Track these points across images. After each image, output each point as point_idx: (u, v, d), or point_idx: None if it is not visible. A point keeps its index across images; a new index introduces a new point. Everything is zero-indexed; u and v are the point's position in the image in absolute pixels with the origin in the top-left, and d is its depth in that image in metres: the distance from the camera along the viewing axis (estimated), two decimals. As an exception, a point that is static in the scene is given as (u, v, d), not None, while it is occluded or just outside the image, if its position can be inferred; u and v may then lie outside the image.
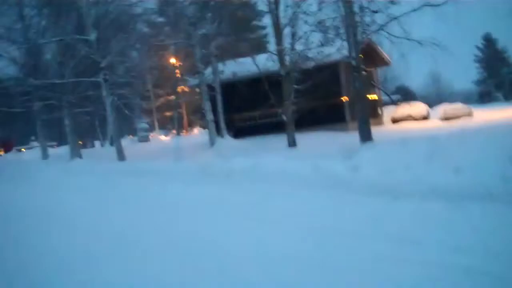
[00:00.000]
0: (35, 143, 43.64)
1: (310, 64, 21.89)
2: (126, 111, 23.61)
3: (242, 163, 12.61)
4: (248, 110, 27.42)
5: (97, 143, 39.83)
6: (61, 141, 40.21)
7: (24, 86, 25.53)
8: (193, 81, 28.70)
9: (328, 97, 26.16)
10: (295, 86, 21.91)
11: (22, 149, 48.55)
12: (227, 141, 24.70)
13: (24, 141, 56.18)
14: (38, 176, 16.83)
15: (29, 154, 35.23)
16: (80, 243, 7.00)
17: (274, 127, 25.01)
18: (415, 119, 33.31)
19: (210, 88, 25.72)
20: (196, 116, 50.21)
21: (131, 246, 6.50)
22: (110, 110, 21.52)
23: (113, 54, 21.95)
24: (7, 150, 39.53)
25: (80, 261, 5.99)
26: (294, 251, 5.49)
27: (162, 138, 44.34)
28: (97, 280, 5.20)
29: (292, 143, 22.23)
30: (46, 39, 23.87)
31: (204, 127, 33.27)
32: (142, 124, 41.10)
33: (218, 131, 25.80)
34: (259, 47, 32.50)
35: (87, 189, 12.67)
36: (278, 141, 22.52)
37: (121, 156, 21.03)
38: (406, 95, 46.97)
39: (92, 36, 21.54)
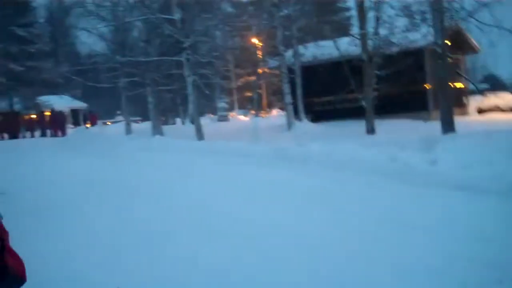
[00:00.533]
0: (120, 117, 45.30)
1: (394, 50, 21.35)
2: (206, 91, 23.99)
3: (318, 148, 12.54)
4: (327, 94, 27.12)
5: (178, 121, 40.79)
6: (144, 117, 41.54)
7: (111, 62, 26.53)
8: (273, 63, 28.72)
9: (411, 84, 25.42)
10: (377, 72, 21.45)
11: (108, 123, 50.61)
12: (305, 125, 24.62)
13: (110, 115, 58.54)
14: (121, 150, 17.48)
15: (114, 128, 36.62)
16: (158, 216, 7.26)
17: (353, 112, 24.62)
18: (502, 110, 31.79)
19: (290, 70, 25.67)
20: (276, 98, 50.32)
21: (204, 222, 6.66)
22: (191, 89, 21.94)
23: (197, 34, 22.29)
24: (92, 123, 41.22)
25: (157, 235, 6.22)
26: (369, 246, 5.42)
27: (241, 118, 44.82)
28: (170, 255, 5.36)
29: (370, 130, 21.84)
30: (133, 17, 24.58)
31: (282, 109, 33.24)
32: (222, 104, 41.74)
33: (296, 114, 25.76)
34: (342, 30, 31.89)
35: (166, 165, 13.05)
36: (357, 127, 22.17)
37: (199, 134, 21.45)
38: (495, 85, 44.79)
39: (177, 15, 21.95)
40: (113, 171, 12.43)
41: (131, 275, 4.89)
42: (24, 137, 34.24)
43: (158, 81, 24.57)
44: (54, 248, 5.98)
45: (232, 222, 6.69)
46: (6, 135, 34.42)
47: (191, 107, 22.53)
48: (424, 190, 8.01)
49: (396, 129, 20.87)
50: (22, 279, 1.71)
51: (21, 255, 1.75)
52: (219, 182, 10.17)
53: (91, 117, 41.86)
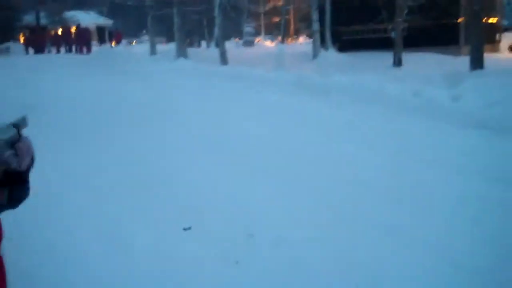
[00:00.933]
0: (145, 37, 44.99)
1: (428, -20, 20.62)
2: (233, 14, 23.60)
3: (341, 79, 12.44)
4: (356, 23, 26.46)
5: (203, 43, 40.40)
6: (169, 38, 41.21)
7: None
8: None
9: (443, 17, 24.62)
10: (409, 3, 20.81)
11: (133, 42, 50.40)
12: (331, 54, 24.23)
13: (136, 34, 58.14)
14: (144, 71, 17.52)
15: (139, 48, 36.50)
16: (185, 139, 7.39)
17: (381, 43, 24.08)
18: (536, 48, 30.78)
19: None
20: (304, 25, 49.31)
21: (223, 145, 6.76)
22: (217, 11, 21.60)
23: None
24: (117, 41, 41.01)
25: (182, 156, 6.37)
26: (384, 181, 5.48)
27: (267, 44, 44.21)
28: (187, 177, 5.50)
29: (397, 63, 21.43)
30: None
31: (310, 36, 32.63)
32: (248, 28, 40.99)
33: (323, 42, 25.30)
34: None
35: (189, 89, 13.10)
36: (384, 58, 21.75)
37: (224, 59, 21.29)
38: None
39: None
40: (136, 92, 12.52)
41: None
42: (49, 51, 34.41)
43: (185, 1, 24.17)
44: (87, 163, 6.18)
45: (250, 144, 6.78)
46: (32, 49, 34.64)
47: (216, 30, 22.23)
48: (446, 126, 7.95)
49: (423, 63, 20.48)
50: None
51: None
52: (241, 106, 10.24)
53: (116, 35, 41.60)
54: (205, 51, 30.56)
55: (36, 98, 11.00)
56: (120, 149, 6.90)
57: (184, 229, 4.15)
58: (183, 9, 24.74)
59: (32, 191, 1.33)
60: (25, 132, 1.28)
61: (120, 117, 9.17)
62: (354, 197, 4.91)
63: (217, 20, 22.02)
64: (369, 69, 18.06)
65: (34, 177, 1.34)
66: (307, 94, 11.82)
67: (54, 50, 35.13)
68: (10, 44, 35.44)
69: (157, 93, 12.31)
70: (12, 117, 1.28)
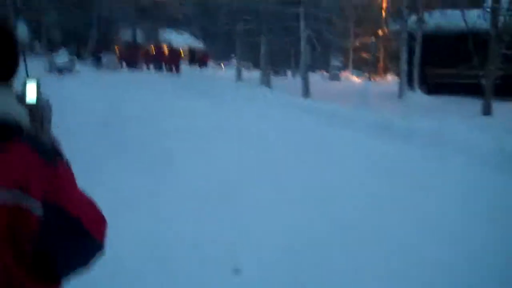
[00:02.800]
0: (233, 61, 45.86)
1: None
2: (319, 48, 23.64)
3: (425, 124, 12.03)
4: (446, 66, 25.73)
5: (289, 73, 40.71)
6: (256, 64, 41.84)
7: (231, 7, 26.73)
8: (394, 26, 27.60)
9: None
10: (504, 51, 20.00)
11: (221, 65, 51.51)
12: (417, 96, 23.66)
13: (225, 57, 59.43)
14: (227, 97, 17.77)
15: (225, 72, 37.25)
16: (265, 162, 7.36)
17: (470, 89, 23.25)
18: None
19: (411, 36, 24.55)
20: (393, 63, 48.64)
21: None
22: (304, 44, 21.68)
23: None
24: (204, 64, 41.99)
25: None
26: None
27: (353, 79, 43.89)
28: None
29: (487, 111, 20.56)
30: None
31: (398, 75, 32.12)
32: (336, 62, 40.93)
33: (410, 83, 24.79)
34: (474, 0, 29.85)
35: (268, 118, 13.15)
36: (472, 105, 20.95)
37: (306, 91, 21.27)
38: None
39: (301, -34, 21.55)
40: (217, 116, 12.69)
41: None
42: (141, 68, 35.80)
43: (273, 31, 24.47)
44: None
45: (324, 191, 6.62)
46: (125, 64, 36.15)
47: (302, 62, 22.29)
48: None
49: (515, 114, 19.56)
50: (99, 242, 1.27)
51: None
52: (320, 142, 10.12)
53: (204, 58, 42.72)
54: (290, 81, 30.76)
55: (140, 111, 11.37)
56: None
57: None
58: (271, 39, 25.05)
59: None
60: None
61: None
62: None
63: (303, 54, 22.07)
64: (455, 115, 17.44)
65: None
66: (388, 136, 11.50)
67: (144, 67, 36.51)
68: (103, 55, 37.03)
69: (233, 119, 12.41)
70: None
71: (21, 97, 1.37)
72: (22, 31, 14.59)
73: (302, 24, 21.61)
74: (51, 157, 1.19)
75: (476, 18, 21.07)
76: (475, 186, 7.54)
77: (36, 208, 1.11)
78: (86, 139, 9.02)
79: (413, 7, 25.09)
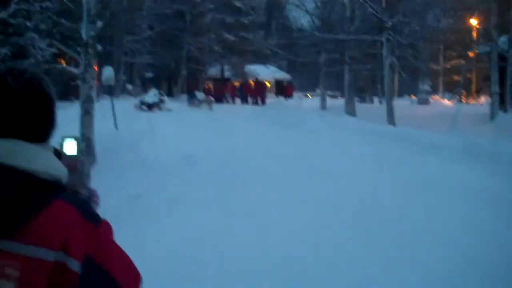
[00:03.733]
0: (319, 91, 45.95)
1: None
2: (404, 74, 23.15)
3: (512, 148, 11.41)
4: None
5: (376, 100, 40.11)
6: (343, 93, 41.69)
7: (314, 38, 26.92)
8: (484, 48, 26.57)
9: None
10: None
11: (309, 95, 51.66)
12: (510, 117, 22.49)
13: (312, 87, 59.67)
14: (308, 126, 17.72)
15: (311, 101, 37.30)
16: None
17: None
18: None
19: (501, 57, 23.53)
20: (486, 84, 46.69)
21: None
22: (387, 71, 21.31)
23: (401, 14, 21.45)
24: (289, 94, 42.28)
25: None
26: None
27: (444, 103, 42.45)
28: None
29: None
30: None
31: (490, 96, 30.76)
32: (424, 86, 39.76)
33: (503, 104, 23.67)
34: None
35: (345, 148, 12.95)
36: None
37: (390, 118, 20.79)
38: None
39: (383, -6, 21.31)
40: (293, 146, 12.68)
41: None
42: (227, 102, 36.63)
43: (357, 59, 24.32)
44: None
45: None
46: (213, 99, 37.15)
47: (386, 89, 21.91)
48: None
49: None
50: None
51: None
52: (393, 171, 9.81)
53: (288, 89, 43.09)
54: (376, 107, 30.27)
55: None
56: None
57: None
58: (354, 67, 24.89)
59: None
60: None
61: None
62: None
63: (386, 79, 21.68)
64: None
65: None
66: (473, 160, 11.01)
67: (230, 100, 37.38)
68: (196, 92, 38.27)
69: (310, 149, 12.32)
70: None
71: (60, 151, 1.43)
72: (108, 74, 15.35)
73: (385, 51, 21.29)
74: (93, 217, 1.25)
75: None
76: None
77: (76, 267, 1.16)
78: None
79: (503, 27, 24.10)
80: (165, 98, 28.24)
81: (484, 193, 8.02)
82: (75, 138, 1.53)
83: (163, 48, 38.33)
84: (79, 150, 1.52)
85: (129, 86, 37.51)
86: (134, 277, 1.30)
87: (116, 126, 13.86)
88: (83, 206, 1.26)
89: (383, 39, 21.21)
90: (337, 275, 4.76)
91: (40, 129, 1.29)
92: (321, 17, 27.19)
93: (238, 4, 44.24)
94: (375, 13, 21.58)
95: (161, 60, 39.27)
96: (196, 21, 39.64)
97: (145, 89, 36.65)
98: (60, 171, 1.26)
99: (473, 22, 32.93)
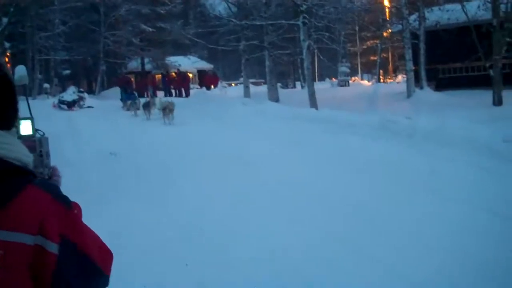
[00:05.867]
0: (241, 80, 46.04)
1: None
2: (321, 56, 23.59)
3: (426, 123, 11.85)
4: (452, 61, 25.49)
5: (298, 84, 40.71)
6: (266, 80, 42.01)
7: (232, 25, 26.91)
8: (397, 27, 27.48)
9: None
10: (508, 39, 19.73)
11: (232, 84, 51.66)
12: (425, 93, 23.43)
13: (235, 76, 59.80)
14: (232, 114, 17.76)
15: (234, 90, 37.36)
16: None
17: (479, 81, 22.98)
18: None
19: (414, 35, 24.42)
20: (401, 63, 48.40)
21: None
22: (305, 54, 21.59)
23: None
24: (212, 84, 41.88)
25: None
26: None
27: (363, 83, 43.71)
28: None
29: (497, 102, 20.24)
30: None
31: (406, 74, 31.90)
32: (343, 68, 40.78)
33: (418, 81, 24.60)
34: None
35: (271, 132, 13.09)
36: (482, 97, 20.65)
37: (312, 101, 21.13)
38: None
39: (294, -23, 21.51)
40: (220, 135, 12.68)
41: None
42: (149, 96, 36.01)
43: (275, 44, 24.51)
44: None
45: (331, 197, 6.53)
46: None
47: (305, 72, 22.23)
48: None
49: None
50: (107, 277, 1.35)
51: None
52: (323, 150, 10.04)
53: (210, 79, 42.75)
54: (298, 92, 30.67)
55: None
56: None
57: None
58: (274, 52, 25.08)
59: None
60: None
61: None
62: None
63: (305, 63, 21.98)
64: (466, 108, 17.24)
65: None
66: (390, 137, 11.36)
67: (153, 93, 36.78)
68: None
69: (235, 136, 12.37)
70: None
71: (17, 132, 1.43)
72: (21, 73, 14.65)
73: (302, 35, 21.56)
74: (65, 199, 1.28)
75: (476, 9, 20.88)
76: (476, 179, 7.40)
77: (54, 248, 1.19)
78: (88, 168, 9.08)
79: (413, 6, 24.98)
80: (85, 95, 27.49)
81: (401, 166, 8.35)
82: (29, 118, 1.54)
83: (79, 43, 37.14)
84: (33, 129, 1.55)
85: (47, 85, 36.13)
86: (107, 254, 1.37)
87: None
88: (55, 190, 1.29)
89: (299, 23, 21.45)
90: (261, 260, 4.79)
91: (7, 115, 1.30)
92: (238, 3, 27.11)
93: (152, -6, 43.46)
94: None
95: (77, 56, 38.06)
96: (111, 13, 38.53)
97: (63, 88, 35.45)
98: (29, 157, 1.29)
99: (385, 1, 33.98)
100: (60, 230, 1.21)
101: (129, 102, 22.74)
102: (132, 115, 20.52)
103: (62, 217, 1.23)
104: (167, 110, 17.01)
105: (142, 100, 21.39)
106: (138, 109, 20.48)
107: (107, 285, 1.36)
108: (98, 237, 1.36)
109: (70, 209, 1.27)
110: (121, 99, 26.01)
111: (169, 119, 16.92)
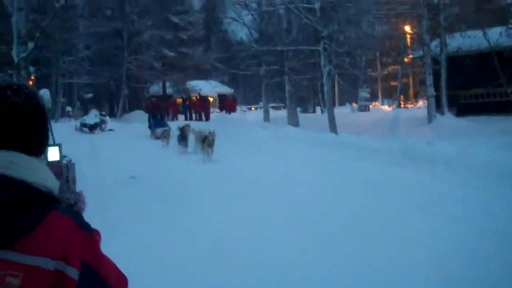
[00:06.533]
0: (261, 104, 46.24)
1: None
2: (341, 81, 23.64)
3: (447, 148, 11.77)
4: (473, 87, 25.35)
5: (318, 109, 40.79)
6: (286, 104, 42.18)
7: (253, 50, 27.16)
8: (418, 52, 27.47)
9: None
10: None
11: (252, 108, 51.93)
12: (447, 119, 23.28)
13: (255, 100, 60.13)
14: (251, 138, 17.82)
15: (255, 114, 37.52)
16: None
17: (500, 107, 22.81)
18: None
19: (435, 61, 24.40)
20: (422, 88, 48.24)
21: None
22: (325, 79, 21.68)
23: (336, 23, 21.90)
24: (231, 108, 41.95)
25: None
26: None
27: (384, 108, 43.59)
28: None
29: (519, 127, 20.03)
30: (273, 7, 24.82)
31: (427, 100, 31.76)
32: (363, 93, 40.75)
33: (439, 107, 24.49)
34: (495, 20, 29.51)
35: (290, 156, 13.09)
36: (504, 123, 20.44)
37: (332, 126, 21.14)
38: None
39: (317, 4, 21.71)
40: (242, 158, 12.71)
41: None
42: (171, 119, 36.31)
43: (296, 69, 24.67)
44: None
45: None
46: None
47: (326, 97, 22.29)
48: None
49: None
50: None
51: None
52: (340, 176, 10.01)
53: (229, 103, 42.93)
54: (318, 117, 30.71)
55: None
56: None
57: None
58: (294, 77, 25.22)
59: None
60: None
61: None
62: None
63: (326, 88, 22.05)
64: (487, 135, 17.06)
65: None
66: (409, 163, 11.28)
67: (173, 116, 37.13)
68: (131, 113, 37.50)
69: (255, 160, 12.39)
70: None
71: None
72: (45, 97, 14.97)
73: (322, 60, 21.67)
74: (87, 226, 1.34)
75: (498, 36, 20.84)
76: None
77: (74, 274, 1.23)
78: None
79: (435, 32, 25.00)
80: (107, 118, 27.84)
81: (418, 190, 8.31)
82: (58, 145, 1.62)
83: (102, 68, 37.75)
84: (61, 155, 1.62)
85: (69, 108, 36.71)
86: (122, 280, 1.41)
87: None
88: (77, 216, 1.34)
89: (320, 48, 21.59)
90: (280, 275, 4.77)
91: (38, 142, 1.37)
92: (259, 30, 27.41)
93: (175, 19, 44.08)
94: (310, 23, 21.95)
95: (100, 80, 38.66)
96: (134, 38, 39.16)
97: (85, 111, 35.93)
98: (55, 184, 1.34)
99: (406, 28, 34.02)
100: (81, 256, 1.26)
101: (159, 130, 19.91)
102: (164, 146, 17.53)
103: (83, 244, 1.28)
104: (205, 143, 13.04)
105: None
106: (169, 137, 17.64)
107: None
108: (114, 264, 1.41)
109: (92, 236, 1.33)
110: (149, 126, 22.71)
111: (209, 156, 12.89)
